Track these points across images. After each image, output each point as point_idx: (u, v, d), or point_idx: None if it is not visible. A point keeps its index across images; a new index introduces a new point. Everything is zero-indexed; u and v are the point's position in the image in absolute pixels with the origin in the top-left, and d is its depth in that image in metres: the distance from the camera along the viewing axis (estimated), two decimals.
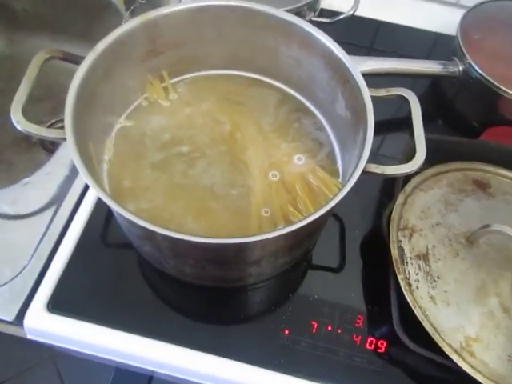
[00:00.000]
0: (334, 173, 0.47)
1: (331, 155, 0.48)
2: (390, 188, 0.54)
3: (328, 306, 0.47)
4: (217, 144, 0.48)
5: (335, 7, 0.67)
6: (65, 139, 0.36)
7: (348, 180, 0.35)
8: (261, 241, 0.31)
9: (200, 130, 0.49)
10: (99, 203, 0.51)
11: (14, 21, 0.80)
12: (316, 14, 0.59)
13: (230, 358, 0.43)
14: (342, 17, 0.58)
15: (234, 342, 0.44)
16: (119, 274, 0.48)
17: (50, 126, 0.75)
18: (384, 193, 0.56)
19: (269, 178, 0.46)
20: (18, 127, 0.38)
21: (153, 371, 0.46)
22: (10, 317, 0.44)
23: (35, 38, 0.82)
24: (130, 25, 0.43)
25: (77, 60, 0.42)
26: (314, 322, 0.45)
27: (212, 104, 0.51)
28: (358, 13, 0.61)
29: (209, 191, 0.44)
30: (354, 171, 0.36)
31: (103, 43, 0.41)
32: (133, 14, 0.68)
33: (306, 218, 0.33)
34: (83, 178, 0.33)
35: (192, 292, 0.47)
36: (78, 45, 0.79)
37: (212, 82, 0.52)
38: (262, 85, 0.52)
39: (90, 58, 0.40)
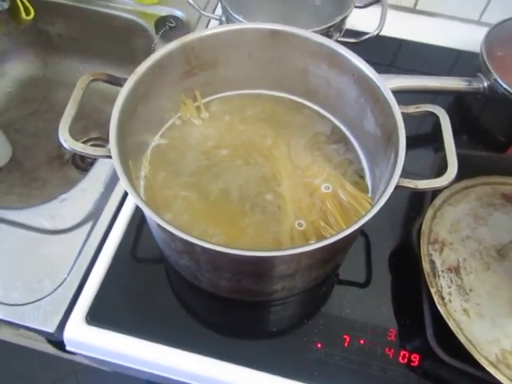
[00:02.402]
0: (363, 188, 0.48)
1: (360, 171, 0.49)
2: (417, 202, 0.55)
3: (359, 319, 0.47)
4: (248, 161, 0.49)
5: (358, 27, 0.69)
6: (110, 157, 0.38)
7: (383, 194, 0.36)
8: (301, 253, 0.32)
9: (231, 148, 0.50)
10: (133, 219, 0.53)
11: (49, 45, 0.84)
12: (341, 34, 0.60)
13: (264, 370, 0.44)
14: (367, 37, 0.60)
15: (267, 354, 0.45)
16: (153, 287, 0.49)
17: None
18: (411, 207, 0.56)
19: (299, 194, 0.47)
20: (65, 146, 0.39)
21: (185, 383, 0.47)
22: (52, 328, 0.45)
23: (68, 61, 0.86)
24: (169, 47, 0.45)
25: (118, 82, 0.44)
26: (345, 336, 0.46)
27: (242, 123, 0.52)
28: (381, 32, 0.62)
29: (240, 207, 0.46)
30: (387, 185, 0.37)
31: (144, 65, 0.44)
32: (163, 37, 0.71)
33: (343, 230, 0.34)
34: (130, 195, 0.35)
35: (224, 306, 0.48)
36: (109, 67, 0.83)
37: (242, 102, 0.54)
38: (291, 104, 0.54)
39: (132, 79, 0.42)
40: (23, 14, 0.68)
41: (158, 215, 0.34)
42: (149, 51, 0.73)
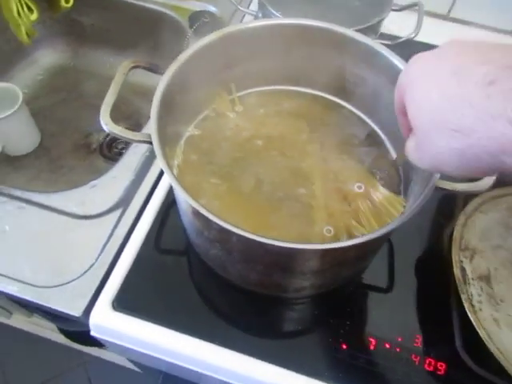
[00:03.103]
0: (395, 190, 0.47)
1: (393, 172, 0.49)
2: (446, 208, 0.54)
3: (384, 323, 0.47)
4: (280, 157, 0.49)
5: (391, 30, 0.68)
6: (148, 142, 0.38)
7: (422, 194, 0.35)
8: (338, 249, 0.31)
9: (264, 140, 0.50)
10: (163, 207, 0.53)
11: (81, 35, 0.85)
12: (377, 36, 0.60)
13: (287, 368, 0.43)
14: (402, 40, 0.59)
15: (290, 352, 0.44)
16: (177, 277, 0.49)
17: (107, 136, 0.79)
18: (438, 213, 0.56)
19: (331, 193, 0.47)
20: (106, 129, 0.40)
21: (206, 376, 0.47)
22: (78, 312, 0.45)
23: (99, 52, 0.86)
24: (208, 38, 0.45)
25: (158, 70, 0.44)
26: (371, 339, 0.45)
27: (276, 117, 0.52)
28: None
29: (271, 202, 0.45)
30: (427, 186, 0.36)
31: (185, 54, 0.44)
32: (196, 32, 0.72)
33: (384, 226, 0.33)
34: (169, 178, 0.35)
35: (250, 300, 0.47)
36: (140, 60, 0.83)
37: (277, 97, 0.54)
38: (326, 102, 0.53)
39: (172, 68, 0.43)
40: (62, 2, 0.69)
41: (196, 200, 0.34)
42: (181, 46, 0.73)
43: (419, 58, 0.28)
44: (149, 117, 0.40)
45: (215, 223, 0.33)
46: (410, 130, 0.30)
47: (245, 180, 0.47)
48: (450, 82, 0.24)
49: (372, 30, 0.58)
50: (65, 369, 1.19)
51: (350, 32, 0.47)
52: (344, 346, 0.45)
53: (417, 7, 0.60)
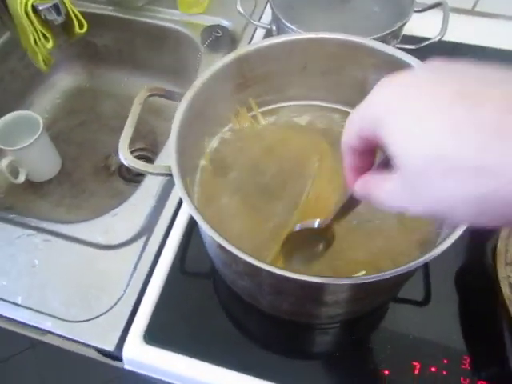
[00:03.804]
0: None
1: None
2: None
3: (428, 344, 0.44)
4: (300, 176, 0.47)
5: (414, 32, 0.65)
6: (170, 175, 0.37)
7: None
8: (381, 280, 0.30)
9: (283, 160, 0.49)
10: (185, 232, 0.52)
11: (96, 56, 0.86)
12: (399, 40, 0.58)
13: None
14: (428, 42, 0.56)
15: (329, 380, 0.43)
16: (209, 305, 0.48)
17: None
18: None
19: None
20: (126, 163, 0.39)
21: None
22: (111, 347, 0.45)
23: (114, 72, 0.87)
24: (224, 60, 0.44)
25: (174, 97, 0.44)
26: (415, 363, 0.43)
27: (296, 135, 0.51)
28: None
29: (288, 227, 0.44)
30: None
31: (200, 80, 0.43)
32: (209, 47, 0.71)
33: (425, 255, 0.31)
34: (196, 218, 0.34)
35: (283, 327, 0.46)
36: (154, 77, 0.83)
37: (296, 113, 0.52)
38: (347, 116, 0.52)
39: (189, 95, 0.42)
40: (77, 28, 0.69)
41: (223, 237, 0.33)
42: (194, 61, 0.72)
43: (390, 83, 0.22)
44: (165, 136, 0.39)
45: (244, 260, 0.32)
46: (360, 172, 0.25)
47: (263, 202, 0.46)
48: (456, 106, 0.18)
49: (394, 36, 0.56)
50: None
51: (369, 41, 0.45)
52: (386, 372, 0.43)
53: (441, 6, 0.57)
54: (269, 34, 0.67)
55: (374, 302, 0.41)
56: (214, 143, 0.50)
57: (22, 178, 0.71)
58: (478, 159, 0.17)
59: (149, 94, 0.43)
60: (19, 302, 0.47)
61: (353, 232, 0.42)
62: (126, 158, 0.39)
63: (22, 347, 1.19)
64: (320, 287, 0.32)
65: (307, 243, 0.38)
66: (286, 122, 0.51)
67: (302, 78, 0.50)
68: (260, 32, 0.72)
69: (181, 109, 0.41)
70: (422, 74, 0.21)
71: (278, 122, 0.52)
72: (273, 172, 0.48)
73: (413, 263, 0.31)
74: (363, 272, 0.38)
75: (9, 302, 0.47)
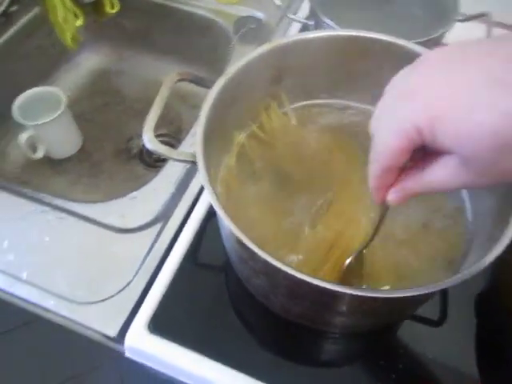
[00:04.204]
0: (460, 228, 0.43)
1: (459, 208, 0.44)
2: None
3: (441, 366, 0.43)
4: (325, 178, 0.46)
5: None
6: (194, 163, 0.36)
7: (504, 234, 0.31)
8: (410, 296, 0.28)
9: (311, 161, 0.47)
10: (203, 225, 0.51)
11: (125, 39, 0.85)
12: None
13: None
14: None
15: None
16: (219, 300, 0.47)
17: None
18: None
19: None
20: (149, 147, 0.38)
21: None
22: (113, 332, 0.44)
23: (142, 56, 0.86)
24: (259, 51, 0.43)
25: (205, 83, 0.42)
26: None
27: (326, 134, 0.49)
28: None
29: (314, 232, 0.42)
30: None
31: (234, 68, 0.41)
32: (241, 38, 0.69)
33: (456, 277, 0.29)
34: (218, 211, 0.33)
35: (293, 330, 0.44)
36: (183, 64, 0.82)
37: (328, 111, 0.50)
38: None
39: (220, 82, 0.40)
40: (108, 8, 0.68)
41: (244, 232, 0.31)
42: (225, 52, 0.71)
43: (421, 83, 0.23)
44: (190, 123, 0.37)
45: (263, 259, 0.30)
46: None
47: (288, 201, 0.44)
48: (496, 94, 0.20)
49: (434, 43, 0.53)
50: (99, 363, 1.17)
51: (412, 45, 0.43)
52: None
53: (485, 17, 0.54)
54: (305, 29, 0.66)
55: (390, 317, 0.39)
56: (241, 137, 0.49)
57: (40, 154, 0.70)
58: None
59: (179, 78, 0.42)
60: (24, 278, 0.46)
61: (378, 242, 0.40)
62: (150, 140, 0.38)
63: (21, 321, 1.19)
64: (339, 296, 0.30)
65: None
66: (317, 121, 0.50)
67: (338, 77, 0.48)
68: (295, 27, 0.70)
69: (212, 94, 0.39)
70: (439, 66, 0.23)
71: (308, 120, 0.50)
72: (298, 172, 0.46)
73: (442, 283, 0.29)
74: (386, 286, 0.36)
75: (13, 276, 0.46)
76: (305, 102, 0.50)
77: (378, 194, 0.27)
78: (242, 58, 0.42)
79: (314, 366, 0.44)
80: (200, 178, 0.35)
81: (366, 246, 0.36)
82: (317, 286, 0.29)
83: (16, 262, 0.48)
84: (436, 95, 0.22)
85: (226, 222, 0.32)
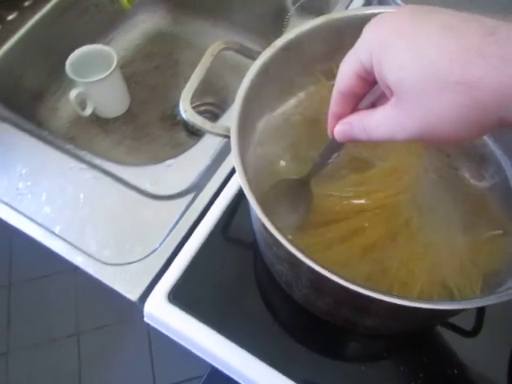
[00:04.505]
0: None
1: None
2: None
3: (468, 381, 0.40)
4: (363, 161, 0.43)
5: None
6: (228, 137, 0.34)
7: None
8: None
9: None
10: (235, 197, 0.49)
11: (182, 3, 0.83)
12: None
13: None
14: None
15: None
16: (242, 278, 0.46)
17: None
18: None
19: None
20: (184, 116, 0.36)
21: None
22: (134, 297, 0.44)
23: (197, 21, 0.84)
24: (311, 24, 0.40)
25: (251, 54, 0.40)
26: None
27: None
28: None
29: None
30: None
31: (282, 40, 0.39)
32: (298, 10, 0.66)
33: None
34: (243, 187, 0.31)
35: (314, 322, 0.42)
36: (236, 33, 0.79)
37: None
38: None
39: (266, 54, 0.38)
40: None
41: (274, 224, 0.29)
42: (281, 23, 0.68)
43: (380, 22, 0.25)
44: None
45: (286, 249, 0.28)
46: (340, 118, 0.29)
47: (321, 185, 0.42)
48: (445, 36, 0.22)
49: None
50: (125, 318, 1.22)
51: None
52: None
53: None
54: (368, 3, 0.61)
55: (418, 324, 0.36)
56: (283, 112, 0.46)
57: (88, 111, 0.71)
58: (465, 75, 0.21)
59: (223, 46, 0.40)
60: (56, 232, 0.47)
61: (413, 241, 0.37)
62: (185, 110, 0.37)
63: (60, 267, 1.25)
64: (364, 298, 0.28)
65: (288, 196, 0.39)
66: None
67: None
68: (358, 1, 0.65)
69: (254, 67, 0.37)
70: (407, 13, 0.24)
71: None
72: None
73: (484, 300, 0.26)
74: (417, 289, 0.34)
75: (48, 229, 0.48)
76: None
77: (331, 123, 0.30)
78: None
79: (331, 359, 0.42)
80: (232, 155, 0.33)
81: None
82: (341, 286, 0.27)
83: (51, 215, 0.49)
84: (390, 31, 0.24)
85: (251, 203, 0.30)
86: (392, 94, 0.24)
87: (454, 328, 0.43)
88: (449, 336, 0.43)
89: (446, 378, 0.40)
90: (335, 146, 0.33)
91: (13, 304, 1.23)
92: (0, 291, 1.25)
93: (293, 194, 0.39)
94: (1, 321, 1.21)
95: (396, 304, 0.26)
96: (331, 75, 0.45)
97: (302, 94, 0.46)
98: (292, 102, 0.46)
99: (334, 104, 0.29)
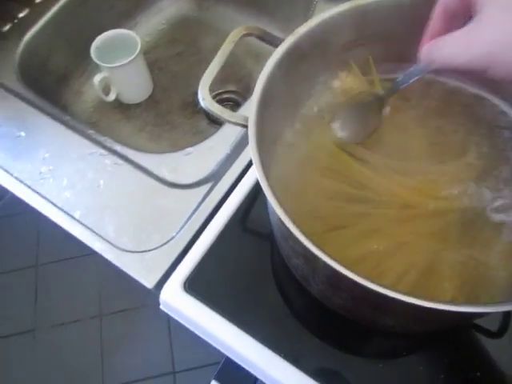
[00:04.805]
0: None
1: None
2: None
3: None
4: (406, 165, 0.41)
5: None
6: (246, 126, 0.33)
7: None
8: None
9: (390, 139, 0.42)
10: (254, 190, 0.49)
11: None
12: None
13: None
14: None
15: None
16: (258, 269, 0.45)
17: (214, 97, 0.76)
18: None
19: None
20: (202, 104, 0.36)
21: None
22: (150, 284, 0.44)
23: (222, 7, 0.82)
24: (337, 9, 0.38)
25: (273, 41, 0.39)
26: None
27: (413, 112, 0.43)
28: None
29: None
30: None
31: (305, 26, 0.37)
32: None
33: None
34: (258, 175, 0.30)
35: (331, 317, 0.42)
36: (262, 20, 0.78)
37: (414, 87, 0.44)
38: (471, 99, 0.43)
39: (288, 41, 0.37)
40: None
41: (291, 219, 0.29)
42: (308, 9, 0.66)
43: None
44: None
45: (302, 244, 0.27)
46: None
47: (349, 181, 0.40)
48: None
49: None
50: (142, 303, 1.24)
51: None
52: None
53: None
54: None
55: (440, 326, 0.35)
56: (307, 104, 0.45)
57: (112, 97, 0.71)
58: None
59: (245, 32, 0.39)
60: (77, 217, 0.48)
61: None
62: (204, 97, 0.36)
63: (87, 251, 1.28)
64: (384, 297, 0.27)
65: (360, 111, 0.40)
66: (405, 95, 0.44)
67: None
68: None
69: (275, 55, 0.36)
70: None
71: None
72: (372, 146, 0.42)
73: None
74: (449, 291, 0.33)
75: (68, 214, 0.48)
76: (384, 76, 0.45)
77: (422, 43, 0.31)
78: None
79: (347, 353, 0.41)
80: (249, 147, 0.32)
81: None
82: (358, 284, 0.26)
83: (71, 200, 0.50)
84: None
85: (268, 196, 0.30)
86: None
87: (479, 329, 0.42)
88: (473, 337, 0.42)
89: (468, 380, 0.39)
90: (419, 69, 0.34)
91: (40, 284, 1.27)
92: (28, 271, 1.29)
93: (365, 110, 0.41)
94: (29, 299, 1.25)
95: (418, 305, 0.25)
96: (360, 64, 0.43)
97: (326, 84, 0.44)
98: (317, 91, 0.44)
99: (433, 22, 0.30)
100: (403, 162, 0.40)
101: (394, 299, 0.26)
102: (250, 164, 0.51)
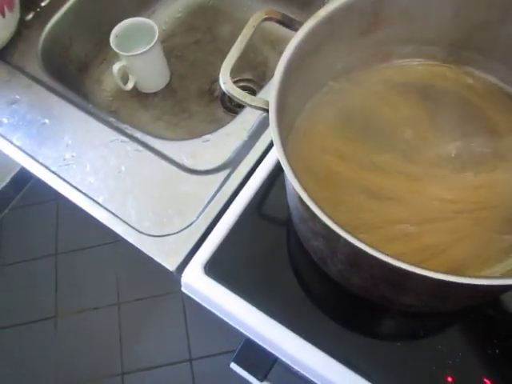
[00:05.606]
0: None
1: None
2: None
3: (508, 365, 0.38)
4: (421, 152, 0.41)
5: None
6: (266, 111, 0.34)
7: None
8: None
9: (400, 120, 0.43)
10: (271, 173, 0.49)
11: None
12: None
13: (372, 381, 0.39)
14: None
15: (382, 367, 0.39)
16: (275, 253, 0.46)
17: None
18: None
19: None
20: (223, 88, 0.36)
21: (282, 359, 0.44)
22: (172, 267, 0.45)
23: None
24: None
25: (293, 25, 0.39)
26: (486, 380, 0.38)
27: (428, 97, 0.43)
28: None
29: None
30: None
31: (325, 10, 0.37)
32: None
33: None
34: (279, 158, 0.31)
35: (349, 297, 0.42)
36: (279, 6, 0.77)
37: (431, 73, 0.44)
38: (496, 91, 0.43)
39: (308, 24, 0.37)
40: None
41: (312, 199, 0.29)
42: None
43: None
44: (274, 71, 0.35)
45: (323, 222, 0.28)
46: None
47: (363, 166, 0.41)
48: None
49: None
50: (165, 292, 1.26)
51: None
52: (450, 379, 0.38)
53: None
54: None
55: (462, 303, 0.35)
56: (325, 90, 0.45)
57: (130, 85, 0.72)
58: None
59: (265, 16, 0.39)
60: (100, 202, 0.49)
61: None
62: (225, 82, 0.36)
63: (104, 241, 1.31)
64: (405, 274, 0.28)
65: None
66: (419, 82, 0.44)
67: (449, 30, 0.42)
68: None
69: (296, 38, 0.36)
70: None
71: (405, 80, 0.44)
72: (385, 133, 0.42)
73: None
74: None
75: (92, 199, 0.49)
76: (403, 61, 0.45)
77: None
78: None
79: (365, 334, 0.42)
80: (270, 130, 0.33)
81: None
82: (380, 261, 0.26)
83: (95, 185, 0.51)
84: None
85: (288, 175, 0.30)
86: None
87: (497, 307, 0.42)
88: (491, 315, 0.42)
89: (486, 358, 0.39)
90: None
91: (60, 272, 1.30)
92: (48, 259, 1.32)
93: None
94: (50, 287, 1.28)
95: (442, 280, 0.25)
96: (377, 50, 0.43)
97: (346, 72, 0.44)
98: (337, 77, 0.45)
99: None
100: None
101: (424, 277, 0.26)
102: (266, 151, 0.52)
